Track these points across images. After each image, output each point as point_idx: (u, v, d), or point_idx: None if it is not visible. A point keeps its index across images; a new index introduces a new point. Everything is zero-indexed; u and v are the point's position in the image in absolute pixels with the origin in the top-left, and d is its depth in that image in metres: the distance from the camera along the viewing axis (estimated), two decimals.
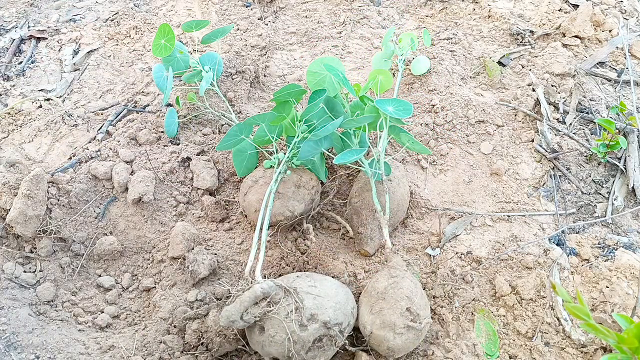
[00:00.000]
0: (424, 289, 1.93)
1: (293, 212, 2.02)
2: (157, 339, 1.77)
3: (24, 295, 1.83)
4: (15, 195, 1.96)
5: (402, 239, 2.13)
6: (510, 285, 1.93)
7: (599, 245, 2.07)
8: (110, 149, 2.30)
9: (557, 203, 2.24)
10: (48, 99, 2.65)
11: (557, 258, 1.99)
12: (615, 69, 2.79)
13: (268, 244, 2.04)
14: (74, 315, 1.85)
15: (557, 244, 2.08)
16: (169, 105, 2.53)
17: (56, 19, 3.20)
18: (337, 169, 2.30)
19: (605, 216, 2.19)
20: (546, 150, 2.39)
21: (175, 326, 1.80)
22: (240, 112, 2.55)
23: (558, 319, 1.83)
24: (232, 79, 2.66)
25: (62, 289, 1.91)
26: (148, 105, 2.56)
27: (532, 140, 2.44)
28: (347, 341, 1.70)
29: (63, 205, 2.06)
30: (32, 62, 2.92)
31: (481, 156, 2.41)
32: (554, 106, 2.59)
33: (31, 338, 1.66)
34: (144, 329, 1.81)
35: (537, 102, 2.56)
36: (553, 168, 2.36)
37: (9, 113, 2.56)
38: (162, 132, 2.42)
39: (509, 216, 2.19)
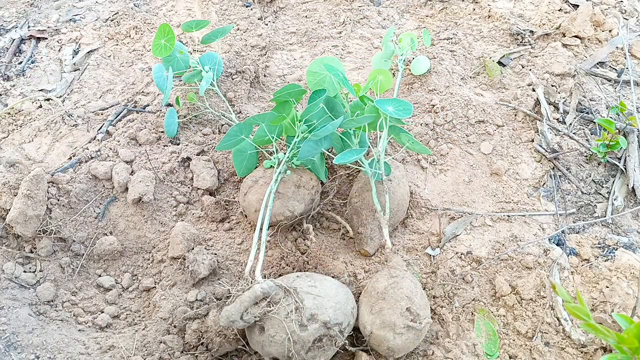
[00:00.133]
0: (424, 289, 1.93)
1: (293, 212, 2.02)
2: (157, 339, 1.77)
3: (24, 295, 1.83)
4: (15, 195, 1.96)
5: (402, 239, 2.13)
6: (510, 285, 1.93)
7: (599, 245, 2.07)
8: (110, 149, 2.30)
9: (557, 203, 2.24)
10: (48, 99, 2.65)
11: (557, 258, 1.99)
12: (615, 69, 2.79)
13: (268, 244, 2.04)
14: (74, 315, 1.85)
15: (557, 244, 2.08)
16: (169, 105, 2.53)
17: (56, 19, 3.21)
18: (337, 169, 2.30)
19: (605, 216, 2.19)
20: (546, 150, 2.39)
21: (175, 326, 1.80)
22: (240, 112, 2.55)
23: (558, 319, 1.83)
24: (232, 79, 2.66)
25: (62, 289, 1.91)
26: (148, 105, 2.56)
27: (532, 140, 2.44)
28: (347, 341, 1.70)
29: (63, 205, 2.06)
30: (32, 62, 2.92)
31: (481, 156, 2.41)
32: (554, 106, 2.59)
33: (31, 338, 1.66)
34: (144, 329, 1.81)
35: (537, 102, 2.56)
36: (553, 168, 2.36)
37: (9, 113, 2.56)
38: (162, 132, 2.42)
39: (509, 216, 2.19)
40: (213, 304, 1.79)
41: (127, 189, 2.15)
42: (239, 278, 1.97)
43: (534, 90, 2.60)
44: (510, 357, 1.78)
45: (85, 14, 3.25)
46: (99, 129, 2.45)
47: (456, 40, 2.93)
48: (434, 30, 3.10)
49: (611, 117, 2.49)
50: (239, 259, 2.04)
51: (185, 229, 2.02)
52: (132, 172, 2.21)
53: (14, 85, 2.77)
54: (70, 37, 3.05)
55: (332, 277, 1.90)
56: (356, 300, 1.78)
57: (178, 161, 2.28)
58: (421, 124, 2.46)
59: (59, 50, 2.98)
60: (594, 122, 2.52)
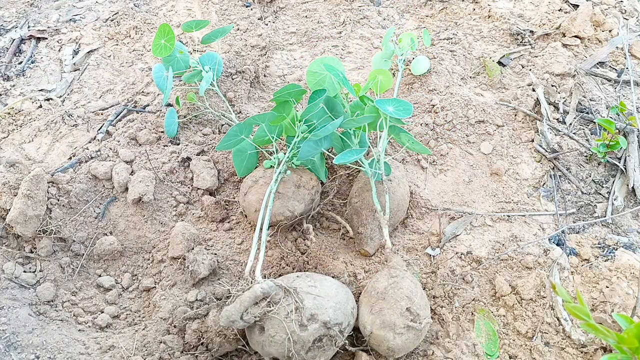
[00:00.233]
0: (424, 289, 1.93)
1: (293, 212, 2.02)
2: (157, 339, 1.77)
3: (24, 295, 1.83)
4: (15, 195, 1.96)
5: (402, 239, 2.13)
6: (510, 285, 1.93)
7: (599, 245, 2.07)
8: (110, 149, 2.30)
9: (557, 203, 2.24)
10: (48, 99, 2.65)
11: (557, 258, 1.99)
12: (615, 69, 2.79)
13: (268, 244, 2.04)
14: (74, 315, 1.85)
15: (557, 244, 2.08)
16: (169, 105, 2.53)
17: (56, 19, 3.21)
18: (337, 169, 2.30)
19: (605, 216, 2.19)
20: (546, 150, 2.39)
21: (175, 326, 1.80)
22: (240, 112, 2.55)
23: (558, 319, 1.83)
24: (232, 79, 2.66)
25: (62, 289, 1.91)
26: (148, 105, 2.56)
27: (532, 140, 2.44)
28: (347, 341, 1.70)
29: (63, 205, 2.06)
30: (32, 62, 2.92)
31: (481, 156, 2.41)
32: (554, 106, 2.59)
33: (31, 338, 1.66)
34: (144, 329, 1.81)
35: (537, 102, 2.56)
36: (553, 168, 2.36)
37: (9, 113, 2.56)
38: (162, 132, 2.42)
39: (509, 216, 2.19)
40: (213, 304, 1.79)
41: (127, 189, 2.15)
42: (239, 278, 1.97)
43: (534, 90, 2.60)
44: (510, 357, 1.78)
45: (85, 14, 3.25)
46: (99, 129, 2.45)
47: (456, 40, 2.93)
48: (434, 30, 3.10)
49: (611, 117, 2.49)
50: (239, 259, 2.04)
51: (185, 229, 2.02)
52: (132, 172, 2.21)
53: (14, 85, 2.77)
54: (70, 37, 3.05)
55: (332, 277, 1.90)
56: (356, 300, 1.78)
57: (178, 161, 2.28)
58: (421, 124, 2.46)
59: (59, 50, 2.98)
60: (594, 122, 2.52)
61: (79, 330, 1.80)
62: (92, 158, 2.26)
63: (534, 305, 1.87)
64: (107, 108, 2.57)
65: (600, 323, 1.75)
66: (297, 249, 2.05)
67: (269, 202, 1.89)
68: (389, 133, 2.02)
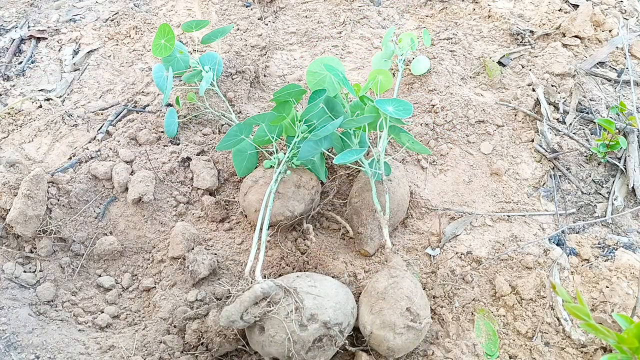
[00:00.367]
0: (424, 289, 1.93)
1: (293, 212, 2.02)
2: (157, 339, 1.77)
3: (24, 295, 1.83)
4: (15, 195, 1.96)
5: (402, 239, 2.13)
6: (510, 285, 1.93)
7: (599, 245, 2.07)
8: (110, 149, 2.30)
9: (557, 203, 2.24)
10: (48, 99, 2.65)
11: (557, 258, 1.99)
12: (615, 69, 2.79)
13: (268, 244, 2.04)
14: (74, 315, 1.85)
15: (557, 244, 2.08)
16: (169, 105, 2.53)
17: (56, 19, 3.21)
18: (337, 169, 2.30)
19: (605, 216, 2.19)
20: (546, 150, 2.39)
21: (175, 326, 1.80)
22: (240, 112, 2.55)
23: (558, 319, 1.83)
24: (232, 79, 2.66)
25: (62, 289, 1.91)
26: (148, 105, 2.56)
27: (532, 140, 2.44)
28: (347, 341, 1.70)
29: (63, 205, 2.06)
30: (32, 62, 2.92)
31: (481, 156, 2.41)
32: (554, 106, 2.59)
33: (31, 338, 1.66)
34: (144, 329, 1.81)
35: (537, 102, 2.56)
36: (553, 168, 2.36)
37: (9, 113, 2.56)
38: (162, 132, 2.42)
39: (509, 216, 2.19)
40: (213, 304, 1.79)
41: (127, 189, 2.15)
42: (239, 278, 1.97)
43: (534, 90, 2.60)
44: (510, 357, 1.78)
45: (85, 14, 3.25)
46: (99, 129, 2.45)
47: (456, 40, 2.93)
48: (434, 30, 3.10)
49: (611, 117, 2.49)
50: (239, 259, 2.04)
51: (185, 229, 2.02)
52: (132, 172, 2.21)
53: (14, 85, 2.77)
54: (70, 37, 3.05)
55: (332, 277, 1.90)
56: (356, 300, 1.78)
57: (178, 161, 2.28)
58: (421, 124, 2.46)
59: (59, 50, 2.98)
60: (594, 122, 2.52)
61: (79, 330, 1.80)
62: (92, 158, 2.26)
63: (534, 305, 1.87)
64: (107, 108, 2.57)
65: (600, 323, 1.75)
66: (297, 249, 2.05)
67: (269, 202, 1.89)
68: (389, 133, 2.02)
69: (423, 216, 2.22)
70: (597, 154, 2.32)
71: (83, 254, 2.01)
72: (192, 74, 2.46)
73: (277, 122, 2.06)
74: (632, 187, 2.25)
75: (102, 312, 1.87)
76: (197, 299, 1.85)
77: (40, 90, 2.74)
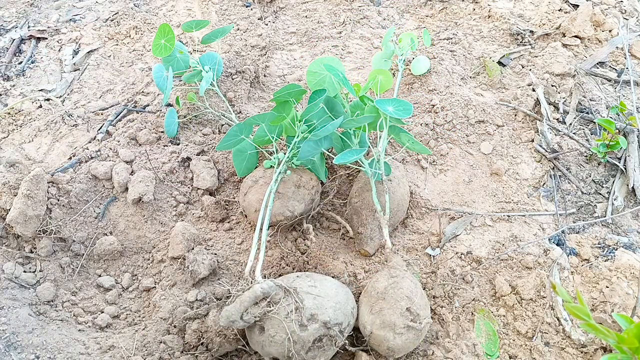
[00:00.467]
0: (424, 289, 1.93)
1: (293, 212, 2.02)
2: (157, 339, 1.77)
3: (24, 295, 1.83)
4: (15, 195, 1.96)
5: (402, 239, 2.13)
6: (510, 285, 1.93)
7: (599, 245, 2.07)
8: (110, 149, 2.30)
9: (557, 203, 2.24)
10: (48, 99, 2.65)
11: (557, 258, 1.99)
12: (615, 69, 2.79)
13: (268, 244, 2.04)
14: (74, 315, 1.85)
15: (557, 244, 2.08)
16: (169, 105, 2.53)
17: (56, 19, 3.21)
18: (337, 169, 2.30)
19: (605, 216, 2.19)
20: (546, 150, 2.39)
21: (175, 326, 1.80)
22: (240, 112, 2.55)
23: (558, 319, 1.83)
24: (232, 79, 2.66)
25: (62, 289, 1.91)
26: (148, 105, 2.56)
27: (532, 140, 2.44)
28: (347, 341, 1.70)
29: (63, 205, 2.06)
30: (32, 62, 2.92)
31: (481, 156, 2.41)
32: (554, 106, 2.59)
33: (31, 338, 1.66)
34: (144, 329, 1.81)
35: (537, 102, 2.56)
36: (553, 168, 2.36)
37: (9, 113, 2.56)
38: (162, 132, 2.42)
39: (509, 216, 2.19)
40: (213, 304, 1.79)
41: (127, 189, 2.15)
42: (239, 278, 1.97)
43: (534, 90, 2.60)
44: (510, 357, 1.78)
45: (85, 14, 3.25)
46: (99, 129, 2.45)
47: (456, 40, 2.93)
48: (434, 30, 3.10)
49: (611, 117, 2.49)
50: (239, 259, 2.04)
51: (185, 229, 2.02)
52: (132, 172, 2.21)
53: (14, 85, 2.77)
54: (70, 37, 3.05)
55: (332, 277, 1.90)
56: (356, 300, 1.78)
57: (178, 161, 2.28)
58: (421, 124, 2.46)
59: (59, 50, 2.98)
60: (594, 122, 2.52)
61: (79, 330, 1.80)
62: (92, 158, 2.26)
63: (534, 305, 1.87)
64: (107, 108, 2.57)
65: (600, 323, 1.75)
66: (297, 249, 2.05)
67: (269, 202, 1.89)
68: (389, 133, 2.02)
69: (423, 216, 2.22)
70: (597, 154, 2.32)
71: (83, 254, 2.01)
72: (192, 74, 2.46)
73: (277, 122, 2.06)
74: (632, 187, 2.25)
75: (102, 312, 1.87)
76: (197, 299, 1.85)
77: (40, 90, 2.74)
